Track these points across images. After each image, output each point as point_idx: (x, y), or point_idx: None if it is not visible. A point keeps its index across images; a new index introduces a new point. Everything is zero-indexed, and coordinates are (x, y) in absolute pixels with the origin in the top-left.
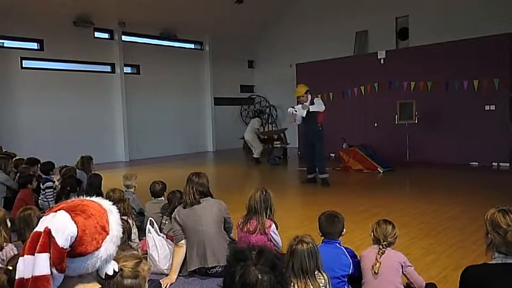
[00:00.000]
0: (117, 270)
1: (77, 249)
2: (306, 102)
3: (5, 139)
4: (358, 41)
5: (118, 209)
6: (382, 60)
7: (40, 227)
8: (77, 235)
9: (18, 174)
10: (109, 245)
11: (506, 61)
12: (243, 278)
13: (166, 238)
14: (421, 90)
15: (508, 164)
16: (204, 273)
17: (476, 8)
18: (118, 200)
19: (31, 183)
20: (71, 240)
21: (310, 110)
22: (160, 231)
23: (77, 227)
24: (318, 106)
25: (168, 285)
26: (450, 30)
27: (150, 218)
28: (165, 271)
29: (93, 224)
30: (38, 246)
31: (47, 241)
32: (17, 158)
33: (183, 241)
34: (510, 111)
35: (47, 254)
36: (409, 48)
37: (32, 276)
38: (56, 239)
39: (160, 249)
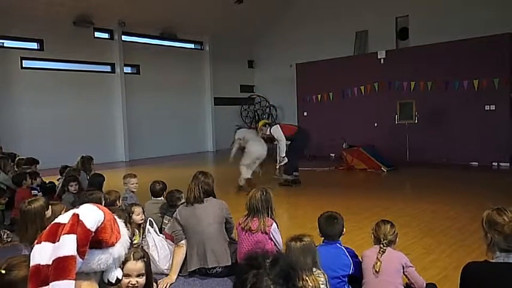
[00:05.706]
0: (120, 278)
1: (100, 236)
2: (265, 133)
3: (5, 139)
4: (358, 41)
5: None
6: (382, 60)
7: (60, 219)
8: (103, 221)
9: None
10: (120, 248)
11: (506, 61)
12: (254, 286)
13: (166, 238)
14: (421, 90)
15: (508, 164)
16: (204, 273)
17: (476, 8)
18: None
19: (26, 180)
20: (97, 223)
21: (275, 137)
22: (161, 232)
23: (104, 214)
24: (277, 134)
25: (168, 285)
26: (450, 30)
27: (149, 218)
28: (165, 271)
29: (112, 219)
30: (65, 228)
31: (76, 223)
32: (19, 157)
33: (183, 241)
34: (510, 111)
35: (74, 235)
36: (409, 48)
37: (57, 258)
38: (84, 222)
39: (160, 250)
